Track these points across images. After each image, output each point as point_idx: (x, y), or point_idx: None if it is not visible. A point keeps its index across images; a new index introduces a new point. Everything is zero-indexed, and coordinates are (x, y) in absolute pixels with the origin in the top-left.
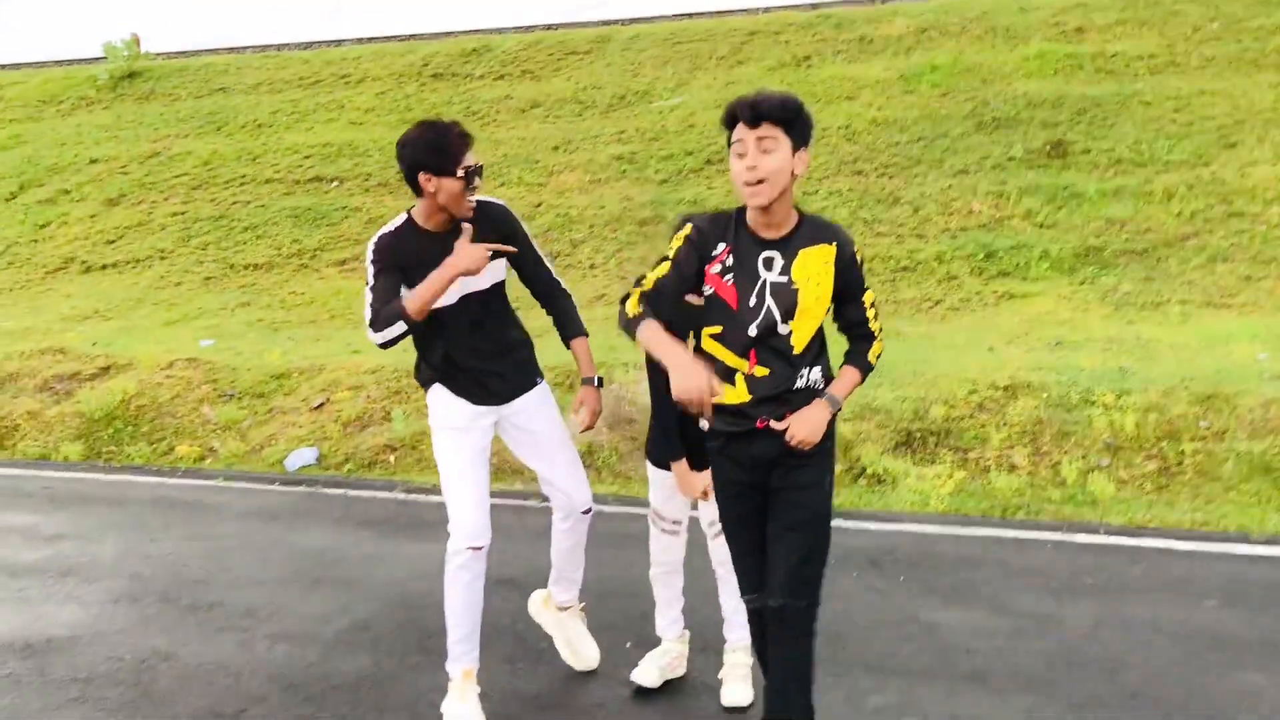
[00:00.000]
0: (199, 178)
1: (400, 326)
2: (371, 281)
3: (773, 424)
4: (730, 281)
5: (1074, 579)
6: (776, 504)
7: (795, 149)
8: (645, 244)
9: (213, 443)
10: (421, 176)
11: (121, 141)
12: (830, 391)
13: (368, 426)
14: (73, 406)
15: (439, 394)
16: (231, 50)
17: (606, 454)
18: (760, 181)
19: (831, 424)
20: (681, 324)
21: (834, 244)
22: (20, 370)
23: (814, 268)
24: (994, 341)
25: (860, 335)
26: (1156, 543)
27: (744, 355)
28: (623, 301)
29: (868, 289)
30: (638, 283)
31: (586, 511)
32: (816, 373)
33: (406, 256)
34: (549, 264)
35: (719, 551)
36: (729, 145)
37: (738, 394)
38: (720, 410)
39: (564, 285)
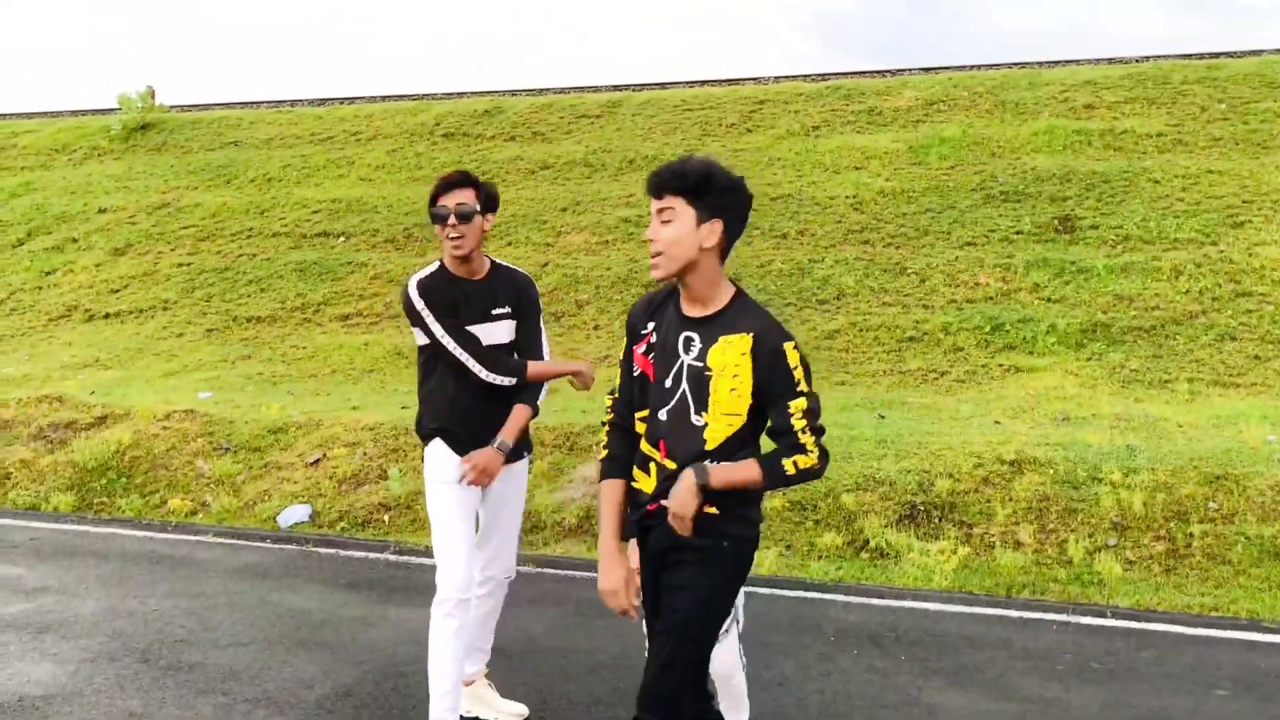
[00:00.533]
0: (206, 230)
1: (513, 379)
2: (435, 326)
3: (663, 503)
4: (652, 359)
5: (1081, 663)
6: (658, 603)
7: (702, 219)
8: None
9: (206, 497)
10: None
11: (131, 192)
12: (707, 465)
13: (363, 484)
14: (66, 456)
15: (437, 448)
16: (246, 105)
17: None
18: (657, 254)
19: (739, 523)
20: None
21: (750, 334)
22: (16, 417)
23: (731, 356)
24: (1000, 415)
25: (787, 445)
26: (1166, 627)
27: (654, 443)
28: (603, 424)
29: (802, 394)
30: (610, 405)
31: (507, 579)
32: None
33: (445, 299)
34: (544, 348)
35: (719, 659)
36: None
37: (648, 482)
38: (634, 498)
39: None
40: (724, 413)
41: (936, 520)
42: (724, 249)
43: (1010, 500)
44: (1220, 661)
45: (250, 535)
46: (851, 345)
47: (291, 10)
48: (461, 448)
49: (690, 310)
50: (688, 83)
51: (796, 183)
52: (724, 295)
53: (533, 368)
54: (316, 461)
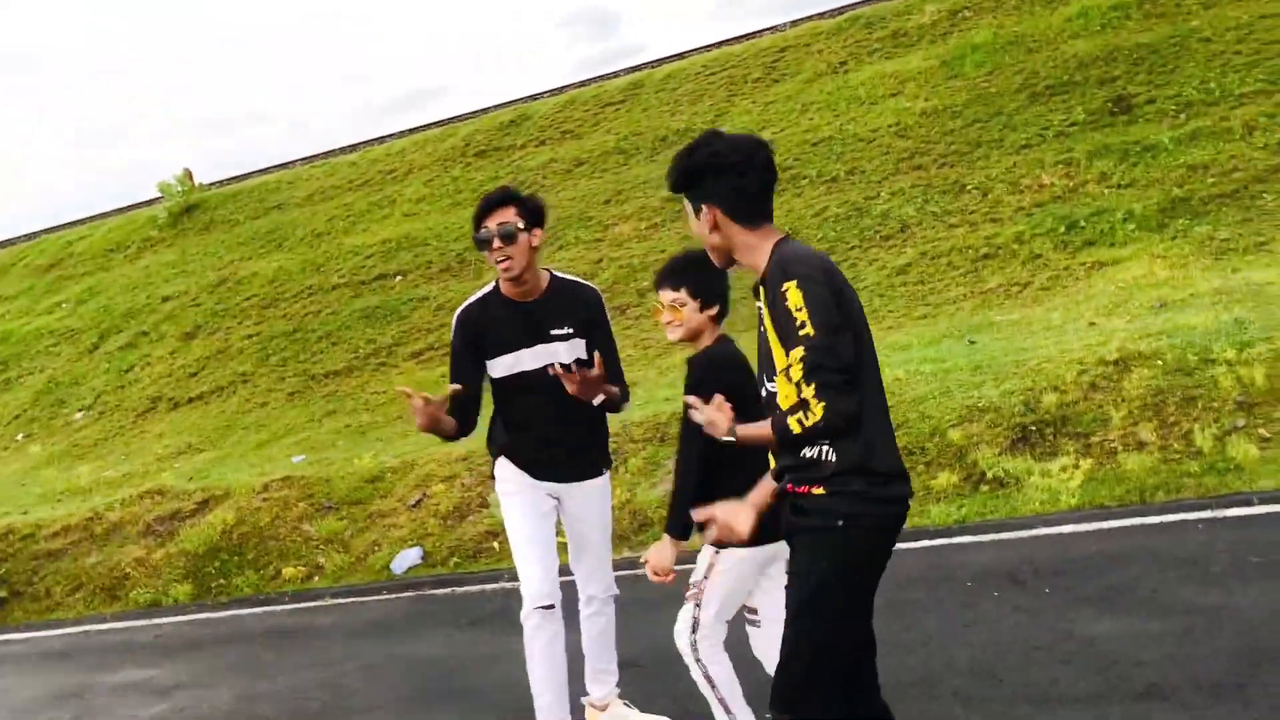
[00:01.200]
0: (268, 296)
1: (454, 439)
2: (452, 350)
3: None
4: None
5: (1238, 561)
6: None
7: (697, 211)
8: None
9: (318, 559)
10: None
11: (189, 275)
12: (739, 427)
13: (466, 516)
14: (177, 546)
15: (505, 464)
16: (281, 166)
17: None
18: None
19: (856, 500)
20: None
21: (763, 286)
22: (123, 518)
23: (766, 315)
24: (1093, 315)
25: (795, 403)
26: None
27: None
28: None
29: (801, 341)
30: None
31: (612, 596)
32: (825, 440)
33: (484, 324)
34: (620, 367)
35: (758, 642)
36: None
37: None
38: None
39: (627, 390)
40: (780, 370)
41: (1051, 438)
42: (738, 219)
43: (1123, 401)
44: None
45: (367, 591)
46: (926, 275)
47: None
48: (525, 462)
49: (757, 279)
50: (704, 47)
51: (835, 122)
52: (765, 253)
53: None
54: (418, 503)
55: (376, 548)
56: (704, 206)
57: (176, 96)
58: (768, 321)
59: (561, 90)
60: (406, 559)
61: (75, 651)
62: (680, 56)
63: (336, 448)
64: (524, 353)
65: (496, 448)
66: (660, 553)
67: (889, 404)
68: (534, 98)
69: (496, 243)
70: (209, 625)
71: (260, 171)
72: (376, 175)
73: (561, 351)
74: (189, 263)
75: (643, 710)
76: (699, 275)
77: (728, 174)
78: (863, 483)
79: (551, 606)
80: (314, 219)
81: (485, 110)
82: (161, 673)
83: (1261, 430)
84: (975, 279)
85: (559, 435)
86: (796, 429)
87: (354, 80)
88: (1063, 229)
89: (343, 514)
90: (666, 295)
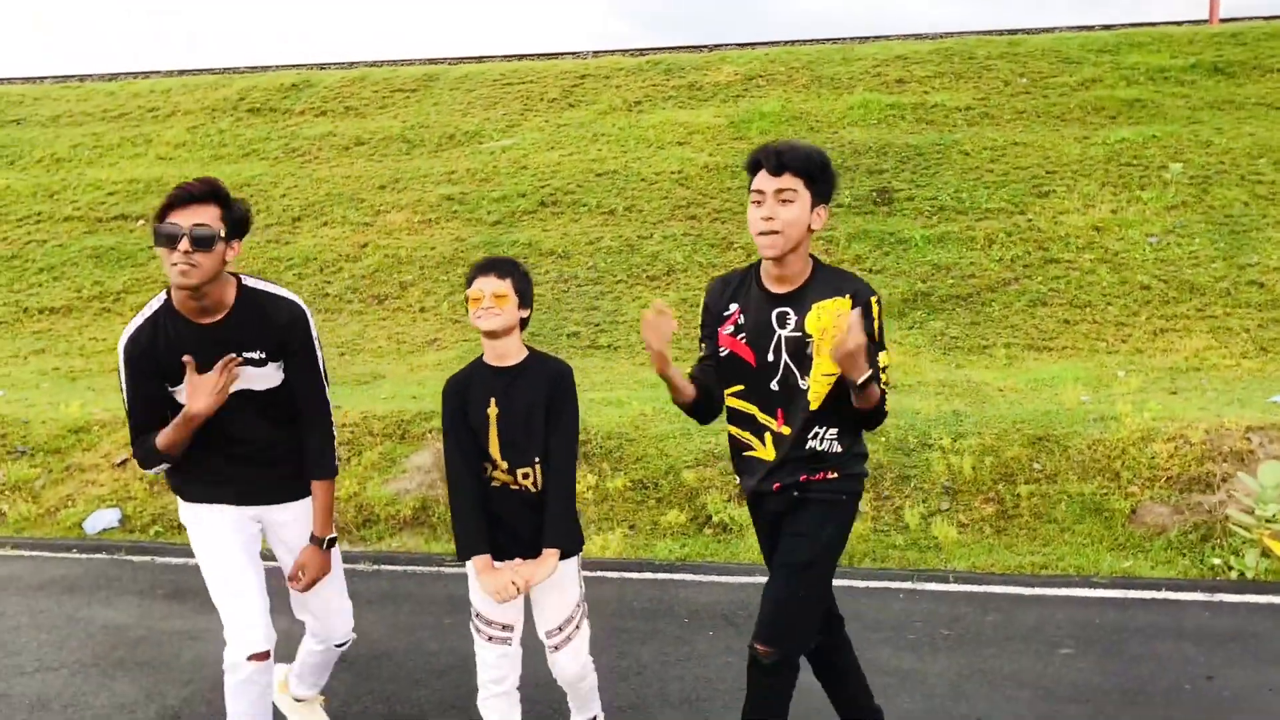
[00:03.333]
0: None
1: (165, 463)
2: (126, 389)
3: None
4: (744, 340)
5: (931, 631)
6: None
7: (816, 203)
8: None
9: (1, 505)
10: None
11: None
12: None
13: None
14: None
15: (189, 505)
16: (28, 80)
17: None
18: (775, 232)
19: (853, 480)
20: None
21: (848, 295)
22: None
23: (826, 320)
24: None
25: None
26: (1004, 589)
27: (771, 412)
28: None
29: (883, 347)
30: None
31: (342, 644)
32: (832, 434)
33: (157, 350)
34: (324, 389)
35: (564, 665)
36: (749, 191)
37: (766, 452)
38: (751, 468)
39: (330, 417)
40: (823, 373)
41: None
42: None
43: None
44: (1059, 620)
45: (54, 545)
46: (682, 320)
47: None
48: (217, 492)
49: (777, 287)
50: (505, 56)
51: (621, 158)
52: (809, 268)
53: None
54: (124, 462)
55: (71, 502)
56: (822, 205)
57: (129, 26)
58: (820, 327)
59: (351, 65)
60: (102, 519)
61: None
62: (479, 60)
63: (40, 389)
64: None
65: (175, 484)
66: (546, 567)
67: (635, 439)
68: (321, 66)
69: (185, 244)
70: None
71: (3, 80)
72: (135, 110)
73: (255, 379)
74: None
75: (350, 711)
76: (525, 278)
77: (835, 184)
78: (860, 465)
79: (267, 655)
80: (56, 142)
81: (267, 68)
82: None
83: (961, 516)
84: None
85: (248, 455)
86: (885, 409)
87: (144, 58)
88: None
89: (37, 461)
90: (491, 283)
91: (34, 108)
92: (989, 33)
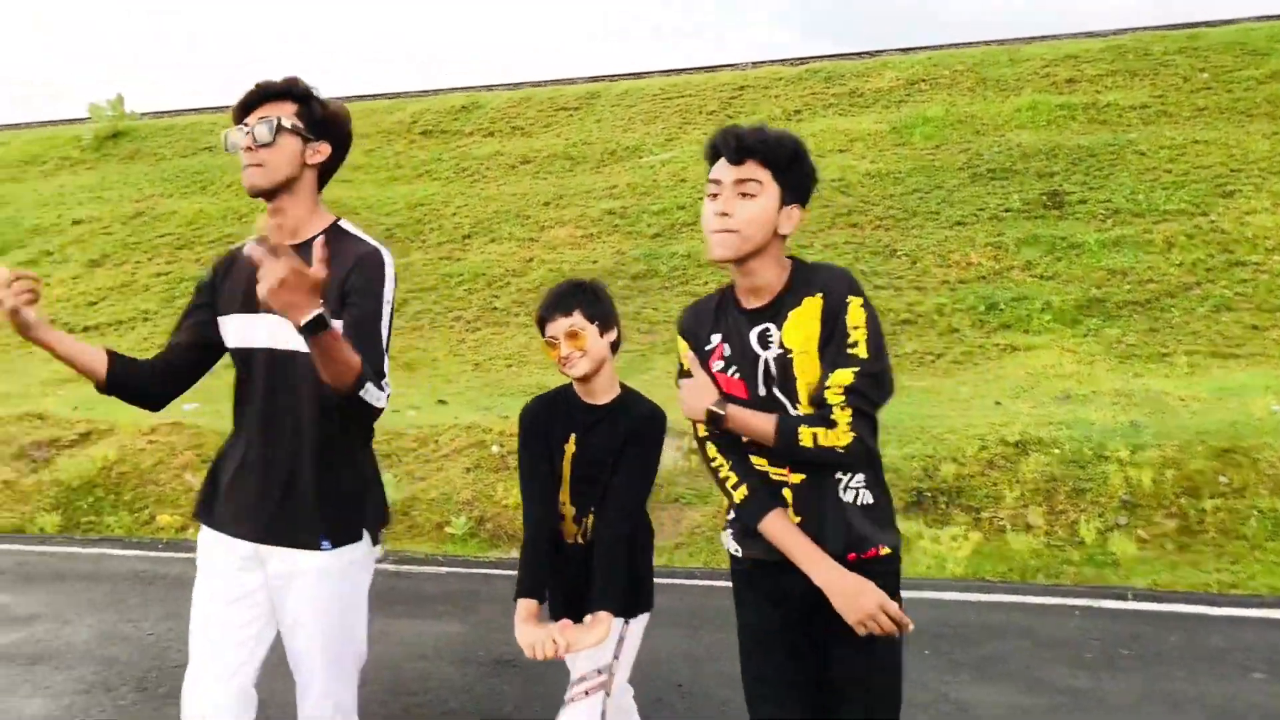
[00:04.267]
0: (184, 237)
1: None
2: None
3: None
4: (735, 374)
5: (1109, 650)
6: (834, 652)
7: (786, 200)
8: (640, 298)
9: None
10: None
11: (105, 202)
12: (730, 407)
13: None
14: (51, 475)
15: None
16: (218, 109)
17: None
18: (730, 231)
19: (896, 553)
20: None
21: (820, 293)
22: None
23: (806, 327)
24: (1000, 395)
25: (818, 415)
26: (1188, 608)
27: (781, 461)
28: (701, 451)
29: (855, 362)
30: (709, 421)
31: None
32: (859, 480)
33: (223, 275)
34: (376, 345)
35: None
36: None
37: (790, 517)
38: (753, 535)
39: (377, 388)
40: (809, 391)
41: (944, 506)
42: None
43: (1018, 482)
44: (1249, 642)
45: None
46: None
47: (249, 13)
48: (219, 503)
49: (753, 302)
50: (664, 71)
51: None
52: (785, 273)
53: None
54: None
55: None
56: (794, 205)
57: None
58: (799, 337)
59: (518, 86)
60: None
61: None
62: (638, 76)
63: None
64: (254, 319)
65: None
66: (595, 633)
67: None
68: (489, 88)
69: (248, 139)
70: (74, 560)
71: (194, 110)
72: None
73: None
74: (107, 189)
75: None
76: (596, 298)
77: (812, 177)
78: (895, 523)
79: None
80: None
81: (438, 91)
82: (19, 601)
83: (1141, 531)
84: (893, 341)
85: (262, 451)
86: (808, 442)
87: (323, 85)
88: (982, 308)
89: None
90: (560, 324)
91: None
92: (1166, 27)
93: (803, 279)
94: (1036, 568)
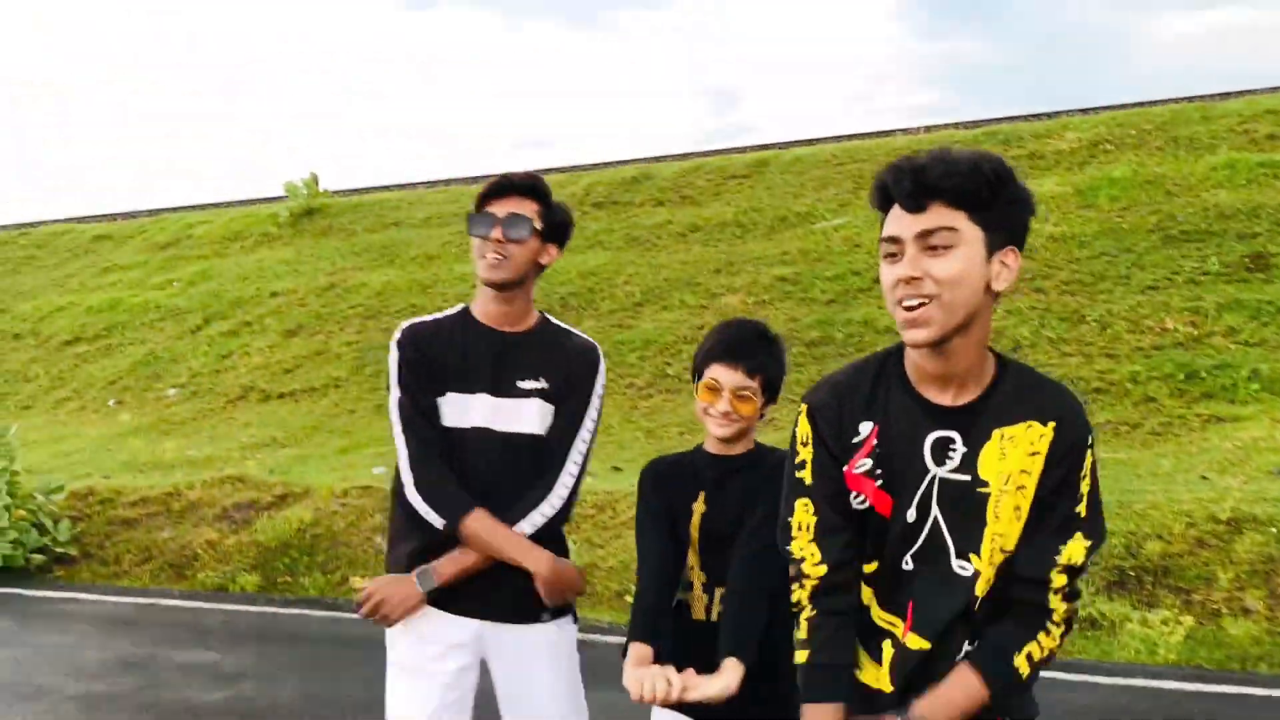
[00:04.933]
0: (373, 308)
1: (442, 522)
2: (394, 388)
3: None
4: (881, 483)
5: None
6: None
7: (995, 245)
8: (814, 365)
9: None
10: None
11: (300, 275)
12: (918, 710)
13: None
14: (250, 535)
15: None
16: (404, 186)
17: None
18: (926, 299)
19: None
20: None
21: (1052, 421)
22: (201, 499)
23: (1016, 460)
24: (1206, 469)
25: (1026, 615)
26: None
27: (894, 608)
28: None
29: (1084, 528)
30: (795, 574)
31: None
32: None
33: (436, 345)
34: (579, 451)
35: None
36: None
37: (878, 675)
38: (861, 699)
39: (569, 491)
40: (1001, 548)
41: (1150, 586)
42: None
43: (1232, 563)
44: None
45: None
46: None
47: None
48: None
49: (940, 395)
50: (835, 137)
51: None
52: (989, 365)
53: (476, 524)
54: None
55: None
56: (1009, 246)
57: (315, 103)
58: (1003, 470)
59: (686, 156)
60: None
61: (144, 622)
62: (810, 143)
63: None
64: (481, 399)
65: (393, 559)
66: (721, 681)
67: None
68: (659, 159)
69: (497, 232)
70: (275, 620)
71: (384, 187)
72: None
73: (528, 414)
74: (302, 263)
75: None
76: (779, 361)
77: (1031, 209)
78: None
79: None
80: (428, 241)
81: (610, 164)
82: (227, 658)
83: None
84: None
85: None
86: (1026, 668)
87: (478, 123)
88: (1182, 376)
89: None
90: (736, 378)
91: (409, 211)
92: None
93: (1016, 386)
94: (1258, 655)
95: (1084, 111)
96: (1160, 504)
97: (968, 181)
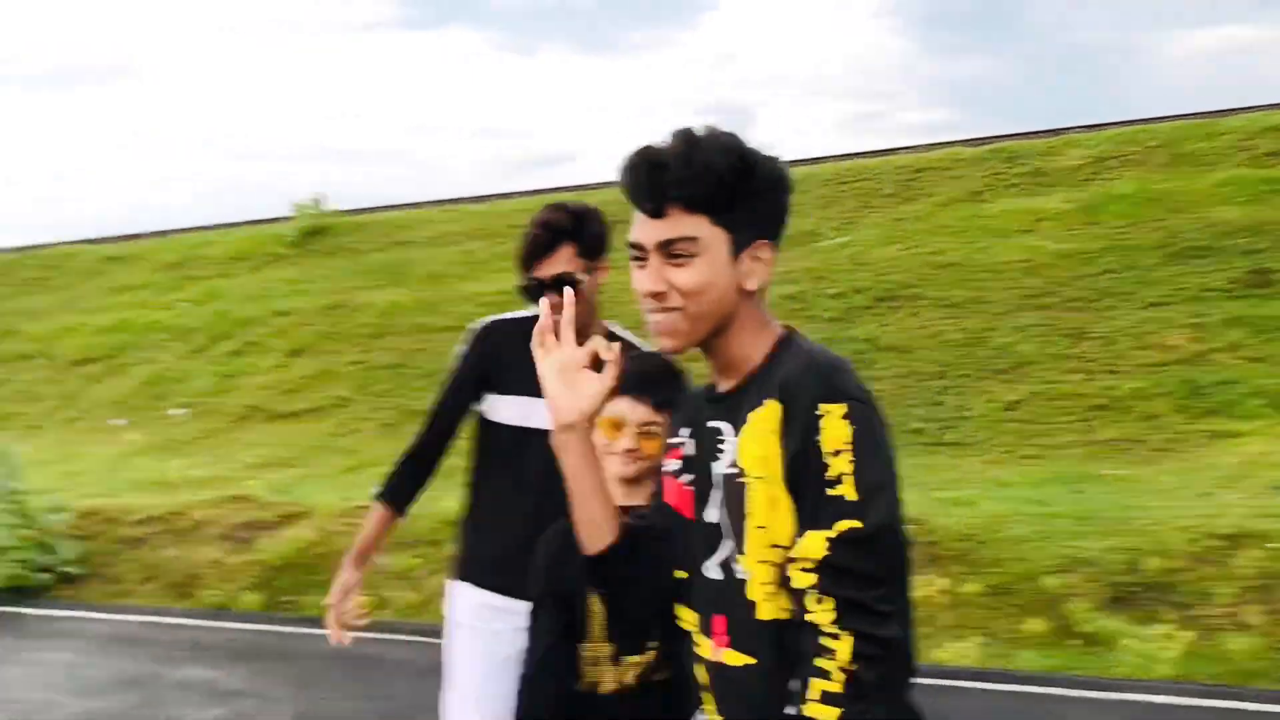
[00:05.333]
0: (378, 328)
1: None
2: (451, 378)
3: None
4: (687, 483)
5: None
6: None
7: (742, 243)
8: None
9: (385, 592)
10: None
11: (306, 295)
12: None
13: None
14: (253, 555)
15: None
16: (411, 205)
17: None
18: (670, 309)
19: None
20: None
21: (776, 396)
22: (205, 518)
23: (763, 442)
24: (1208, 485)
25: (805, 647)
26: None
27: (705, 626)
28: None
29: (844, 513)
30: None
31: None
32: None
33: (506, 344)
34: None
35: None
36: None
37: (708, 705)
38: None
39: None
40: (769, 544)
41: (1149, 603)
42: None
43: (1232, 579)
44: None
45: (434, 631)
46: (1037, 416)
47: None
48: (498, 571)
49: (722, 383)
50: (838, 156)
51: (964, 249)
52: (763, 348)
53: (374, 514)
54: None
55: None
56: (760, 241)
57: (321, 122)
58: (754, 454)
59: None
60: None
61: (145, 640)
62: (813, 161)
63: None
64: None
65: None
66: None
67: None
68: None
69: (551, 299)
70: (277, 638)
71: (390, 207)
72: (503, 227)
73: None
74: (308, 283)
75: None
76: (680, 392)
77: (784, 193)
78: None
79: None
80: (434, 260)
81: (602, 185)
82: (226, 676)
83: None
84: (1087, 427)
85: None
86: (826, 714)
87: (488, 135)
88: (1185, 392)
89: (418, 552)
90: (642, 412)
91: (416, 230)
92: None
93: (776, 366)
94: (1257, 672)
95: (1089, 128)
96: (1162, 520)
97: (704, 187)
